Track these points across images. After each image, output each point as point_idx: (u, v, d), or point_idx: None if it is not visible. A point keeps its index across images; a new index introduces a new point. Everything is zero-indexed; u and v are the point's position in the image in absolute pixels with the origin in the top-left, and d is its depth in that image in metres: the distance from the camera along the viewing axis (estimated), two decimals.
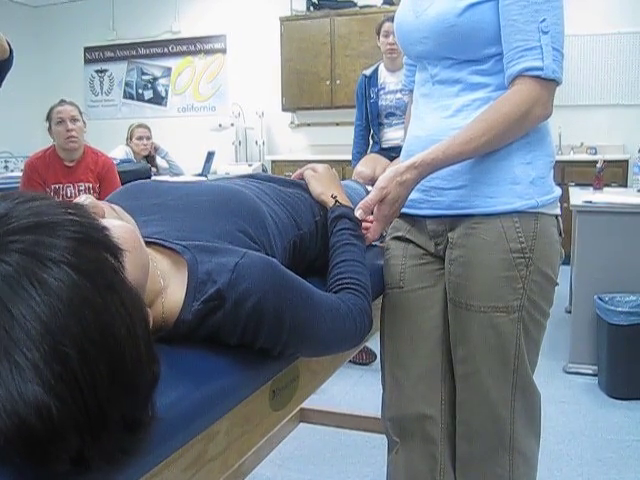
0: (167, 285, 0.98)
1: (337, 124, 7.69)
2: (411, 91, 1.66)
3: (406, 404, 1.49)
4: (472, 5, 1.30)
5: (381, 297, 1.55)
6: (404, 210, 1.47)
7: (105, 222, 0.76)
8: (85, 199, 0.84)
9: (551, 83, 1.30)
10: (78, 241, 0.66)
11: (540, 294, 1.37)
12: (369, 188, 2.02)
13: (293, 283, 1.03)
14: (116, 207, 0.93)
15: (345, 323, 1.13)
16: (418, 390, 1.47)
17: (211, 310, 0.96)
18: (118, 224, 0.85)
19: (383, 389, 1.57)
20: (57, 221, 0.66)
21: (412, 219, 1.50)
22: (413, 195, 1.42)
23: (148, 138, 5.20)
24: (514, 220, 1.35)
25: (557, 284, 1.42)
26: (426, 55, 1.42)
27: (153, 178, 4.85)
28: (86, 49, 9.18)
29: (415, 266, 1.50)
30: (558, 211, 1.42)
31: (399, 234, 1.54)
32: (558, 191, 1.42)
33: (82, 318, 0.63)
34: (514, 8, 1.28)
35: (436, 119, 1.41)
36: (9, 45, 2.42)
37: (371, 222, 1.41)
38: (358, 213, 1.39)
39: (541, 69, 1.28)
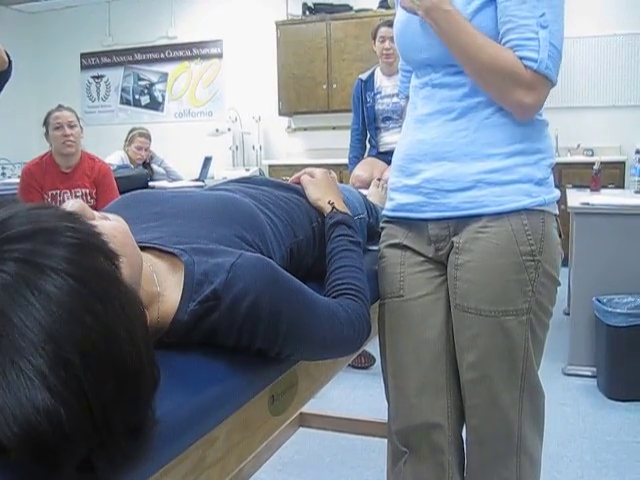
0: (164, 289, 0.98)
1: (334, 128, 7.70)
2: (407, 97, 1.66)
3: (412, 414, 1.46)
4: (478, 10, 1.30)
5: (377, 303, 1.54)
6: (403, 214, 1.46)
7: (96, 224, 0.77)
8: (73, 204, 0.83)
9: (542, 78, 1.29)
10: (75, 247, 0.66)
11: (547, 295, 1.38)
12: (364, 192, 2.02)
13: (290, 284, 1.03)
14: (108, 214, 0.93)
15: (343, 328, 1.13)
16: (424, 399, 1.45)
17: (207, 311, 0.95)
18: (108, 224, 0.85)
19: (387, 401, 1.54)
20: (53, 228, 0.66)
21: (409, 224, 1.48)
22: (414, 198, 1.42)
23: (146, 149, 5.19)
24: (523, 221, 1.34)
25: (560, 284, 1.43)
26: (431, 62, 1.41)
27: (150, 183, 4.86)
28: (82, 55, 9.19)
29: (415, 273, 1.47)
30: (557, 212, 1.43)
31: (395, 241, 1.51)
32: (557, 192, 1.43)
33: (83, 323, 0.63)
34: (512, 4, 1.28)
35: (439, 122, 1.39)
36: (8, 56, 2.42)
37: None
38: None
39: (535, 61, 1.27)
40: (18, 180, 3.87)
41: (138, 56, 8.90)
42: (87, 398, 0.62)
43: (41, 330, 0.61)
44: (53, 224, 0.67)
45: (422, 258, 1.47)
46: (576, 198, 3.74)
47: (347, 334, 1.14)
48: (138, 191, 1.31)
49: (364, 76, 4.19)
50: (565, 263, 1.43)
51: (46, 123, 3.65)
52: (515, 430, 1.40)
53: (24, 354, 0.60)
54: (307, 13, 7.69)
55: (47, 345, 0.60)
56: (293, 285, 1.04)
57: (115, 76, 9.10)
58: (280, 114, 7.87)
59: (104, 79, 9.17)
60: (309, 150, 8.05)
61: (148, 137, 5.21)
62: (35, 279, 0.62)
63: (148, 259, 0.99)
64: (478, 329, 1.37)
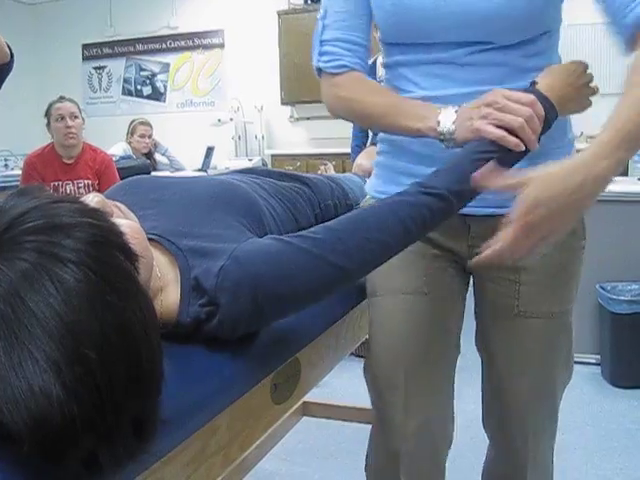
0: (165, 284, 0.97)
1: (336, 117, 7.65)
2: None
3: (421, 413, 1.38)
4: None
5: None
6: None
7: (120, 222, 0.76)
8: (93, 198, 0.83)
9: None
10: (96, 244, 0.66)
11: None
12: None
13: (275, 268, 0.94)
14: (121, 205, 0.92)
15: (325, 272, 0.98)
16: (435, 402, 1.38)
17: (207, 316, 0.94)
18: (127, 224, 0.84)
19: (374, 400, 1.46)
20: (74, 223, 0.66)
21: None
22: None
23: (150, 136, 5.20)
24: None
25: None
26: (457, 39, 1.20)
27: (153, 174, 4.85)
28: (84, 46, 9.16)
29: (439, 269, 1.32)
30: None
31: None
32: None
33: (102, 319, 0.63)
34: None
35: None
36: (10, 49, 2.41)
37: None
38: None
39: None
40: (20, 172, 3.87)
41: (140, 47, 8.87)
42: (100, 394, 0.62)
43: (60, 322, 0.60)
44: (75, 219, 0.66)
45: (443, 253, 1.32)
46: None
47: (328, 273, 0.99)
48: (137, 176, 1.30)
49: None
50: None
51: (48, 114, 3.65)
52: (557, 423, 1.37)
53: (40, 344, 0.59)
54: (309, 2, 7.65)
55: (64, 338, 0.60)
56: (280, 265, 0.95)
57: (117, 67, 9.07)
58: (282, 104, 7.84)
59: (106, 70, 9.15)
60: (312, 139, 8.03)
61: (149, 124, 5.22)
62: (56, 269, 0.61)
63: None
64: (544, 334, 1.28)
